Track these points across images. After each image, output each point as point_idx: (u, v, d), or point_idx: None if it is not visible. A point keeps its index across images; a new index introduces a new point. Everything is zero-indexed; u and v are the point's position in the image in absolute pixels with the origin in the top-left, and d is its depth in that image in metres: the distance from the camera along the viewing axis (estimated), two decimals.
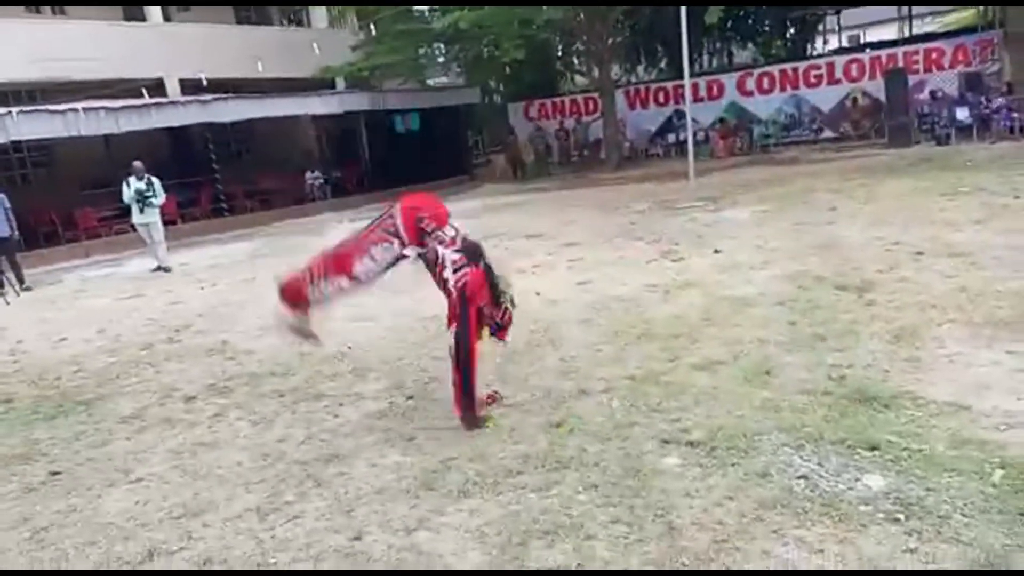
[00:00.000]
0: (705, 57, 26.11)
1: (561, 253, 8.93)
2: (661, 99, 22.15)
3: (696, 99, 19.18)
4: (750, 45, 26.40)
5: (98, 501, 3.60)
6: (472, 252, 3.99)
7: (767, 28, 25.53)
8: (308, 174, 20.21)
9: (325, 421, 4.35)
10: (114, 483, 3.78)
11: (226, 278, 10.19)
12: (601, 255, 8.48)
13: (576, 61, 24.67)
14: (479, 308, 3.92)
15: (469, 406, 3.94)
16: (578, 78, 27.29)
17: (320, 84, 20.67)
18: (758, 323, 5.16)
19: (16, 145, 16.05)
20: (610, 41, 20.63)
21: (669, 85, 22.09)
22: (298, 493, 3.43)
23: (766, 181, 13.32)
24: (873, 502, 2.78)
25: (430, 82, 25.83)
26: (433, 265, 4.06)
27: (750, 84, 20.63)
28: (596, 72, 21.57)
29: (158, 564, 2.94)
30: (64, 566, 3.02)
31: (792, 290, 5.86)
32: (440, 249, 3.98)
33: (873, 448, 3.18)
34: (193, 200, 17.71)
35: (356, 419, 4.31)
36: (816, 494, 2.88)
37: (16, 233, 11.28)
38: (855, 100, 19.26)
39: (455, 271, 3.92)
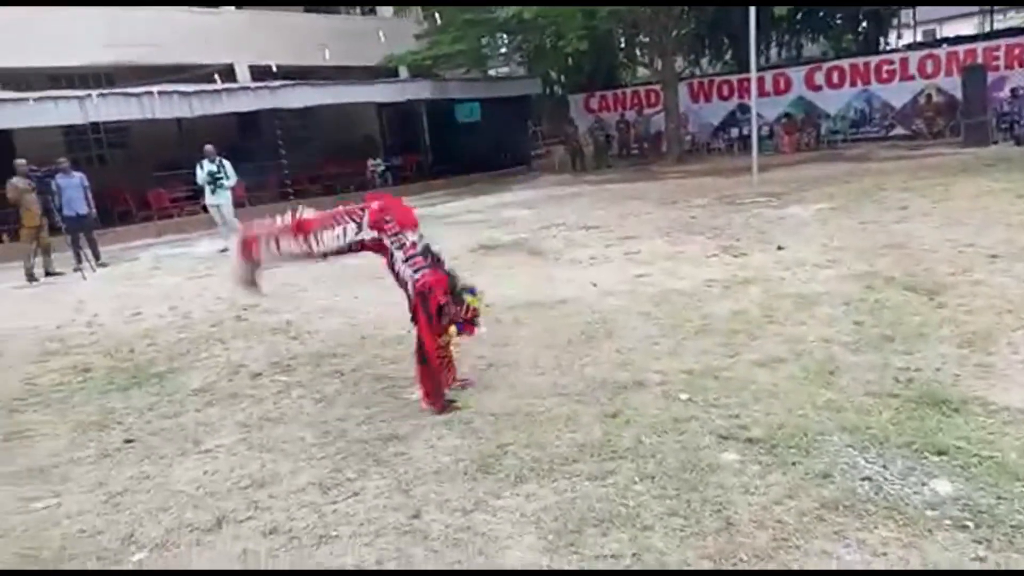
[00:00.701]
0: (773, 50, 25.49)
1: (619, 245, 8.88)
2: (725, 92, 21.74)
3: (762, 93, 18.76)
4: (821, 38, 25.65)
5: (169, 469, 3.76)
6: (434, 258, 4.23)
7: (839, 21, 24.79)
8: (370, 161, 20.54)
9: (384, 402, 4.44)
10: (185, 452, 3.95)
11: None
12: (660, 248, 8.41)
13: (639, 53, 24.37)
14: (440, 305, 4.07)
15: (435, 398, 4.19)
16: (640, 70, 27.00)
17: (384, 72, 20.94)
18: (822, 322, 5.06)
19: (95, 126, 16.71)
20: (674, 33, 20.34)
21: (734, 78, 21.65)
22: (359, 470, 3.52)
23: (833, 178, 12.97)
24: (940, 507, 2.72)
25: (491, 72, 25.91)
26: (390, 266, 4.27)
27: (819, 78, 20.05)
28: (659, 64, 21.29)
29: (226, 532, 3.06)
30: (138, 530, 3.16)
31: (859, 290, 5.72)
32: (396, 252, 4.19)
33: (941, 453, 3.10)
34: (260, 184, 18.18)
35: (414, 401, 4.38)
36: (880, 497, 2.83)
37: (94, 211, 11.78)
38: (929, 97, 18.56)
39: (415, 271, 4.11)
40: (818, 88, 20.07)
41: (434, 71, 21.38)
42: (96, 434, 4.35)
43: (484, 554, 2.71)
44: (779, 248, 7.61)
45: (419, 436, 3.86)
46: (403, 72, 21.59)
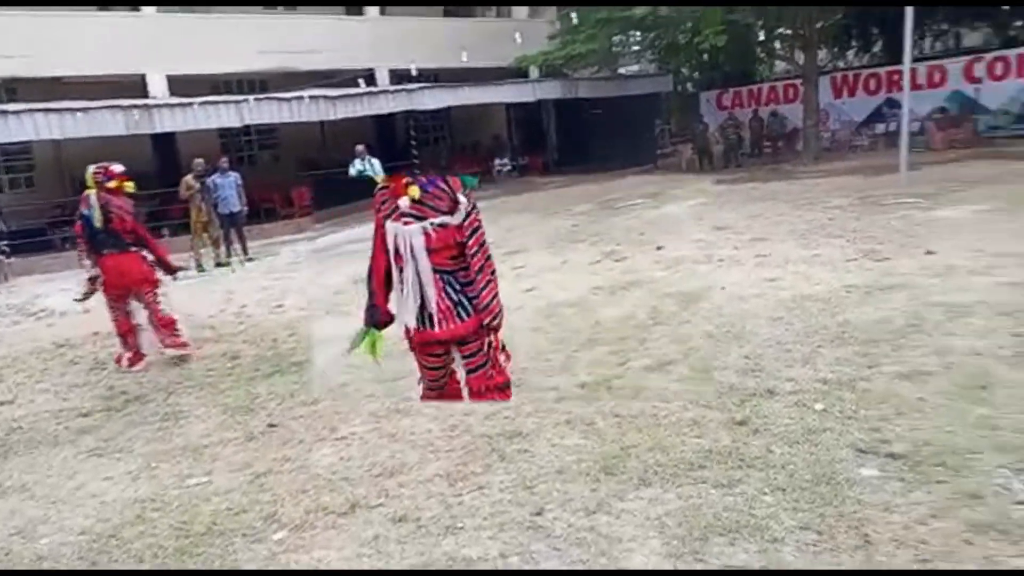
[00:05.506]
0: (927, 41, 23.73)
1: (749, 248, 8.57)
2: (872, 87, 20.46)
3: (914, 87, 17.52)
4: (983, 27, 23.60)
5: (308, 454, 3.99)
6: None
7: (1005, 8, 22.68)
8: (496, 160, 20.89)
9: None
10: (322, 439, 4.18)
11: None
12: (793, 252, 8.05)
13: (778, 46, 23.35)
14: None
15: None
16: (777, 64, 25.89)
17: (513, 73, 21.20)
18: (976, 333, 4.68)
19: (247, 129, 17.96)
20: (819, 24, 19.35)
21: (882, 71, 20.34)
22: (483, 465, 3.61)
23: (993, 178, 11.92)
24: None
25: (621, 70, 25.67)
26: None
27: (979, 70, 18.44)
28: (800, 58, 20.33)
29: (359, 516, 3.22)
30: (279, 510, 3.37)
31: (1020, 299, 5.25)
32: None
33: None
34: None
35: (537, 400, 4.43)
36: None
37: (245, 208, 12.66)
38: None
39: None
40: (978, 81, 18.48)
41: (563, 70, 21.43)
42: (243, 418, 4.68)
43: (607, 555, 2.71)
44: (928, 253, 7.10)
45: (542, 434, 3.90)
46: (533, 72, 21.78)
